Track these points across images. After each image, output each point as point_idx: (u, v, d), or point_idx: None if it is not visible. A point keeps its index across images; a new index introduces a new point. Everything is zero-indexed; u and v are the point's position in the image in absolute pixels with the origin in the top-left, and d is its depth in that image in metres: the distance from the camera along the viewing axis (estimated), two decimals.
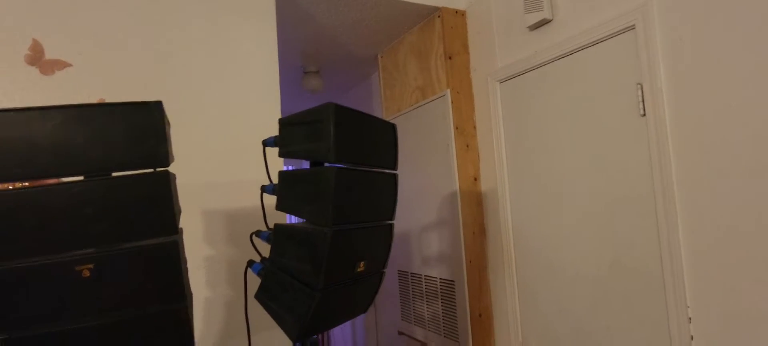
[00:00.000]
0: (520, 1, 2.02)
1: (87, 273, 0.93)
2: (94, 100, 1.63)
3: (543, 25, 1.91)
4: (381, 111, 3.00)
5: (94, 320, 0.95)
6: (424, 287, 2.60)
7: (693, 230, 1.42)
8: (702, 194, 1.39)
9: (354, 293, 1.23)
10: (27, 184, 0.86)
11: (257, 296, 1.15)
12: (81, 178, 0.92)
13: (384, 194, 1.27)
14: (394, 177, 1.30)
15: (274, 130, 1.95)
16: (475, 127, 2.34)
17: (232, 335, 1.72)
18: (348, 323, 4.19)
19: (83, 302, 0.94)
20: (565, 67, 1.83)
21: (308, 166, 1.14)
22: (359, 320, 4.00)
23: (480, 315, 2.28)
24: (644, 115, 1.54)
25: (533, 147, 2.00)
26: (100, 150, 0.90)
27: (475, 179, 2.32)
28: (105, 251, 0.93)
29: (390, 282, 3.56)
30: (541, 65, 1.93)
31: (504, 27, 2.14)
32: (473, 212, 2.30)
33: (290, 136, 1.09)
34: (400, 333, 2.90)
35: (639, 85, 1.55)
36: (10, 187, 1.04)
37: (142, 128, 0.93)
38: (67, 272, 0.91)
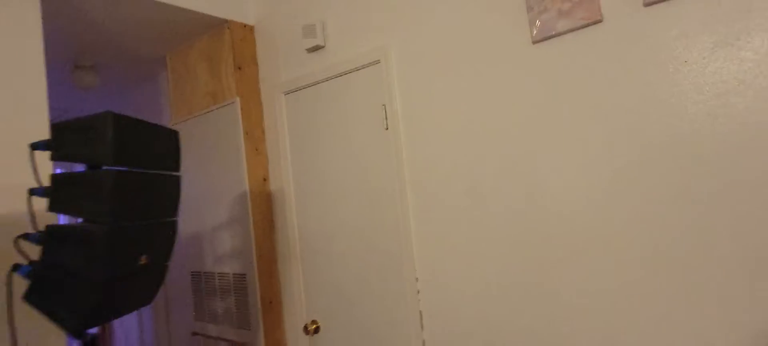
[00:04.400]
0: (299, 28, 2.35)
1: None
2: None
3: (317, 49, 2.28)
4: (169, 112, 2.96)
5: None
6: (218, 283, 2.71)
7: (419, 219, 1.95)
8: (423, 192, 1.93)
9: (137, 286, 1.33)
10: None
11: (26, 297, 1.15)
12: None
13: (167, 194, 1.40)
14: (177, 179, 1.45)
15: (40, 131, 1.81)
16: (263, 133, 2.58)
17: None
18: (135, 328, 3.92)
19: None
20: (333, 87, 2.23)
21: (83, 170, 1.20)
22: (148, 324, 3.79)
23: (270, 302, 2.53)
24: (387, 129, 2.03)
25: (312, 152, 2.35)
26: None
27: (265, 180, 2.56)
28: None
29: (183, 284, 3.50)
30: (316, 83, 2.29)
31: (287, 46, 2.44)
32: (263, 210, 2.53)
33: (65, 140, 1.15)
34: (194, 334, 2.94)
35: (383, 106, 2.03)
36: None
37: None
38: None
